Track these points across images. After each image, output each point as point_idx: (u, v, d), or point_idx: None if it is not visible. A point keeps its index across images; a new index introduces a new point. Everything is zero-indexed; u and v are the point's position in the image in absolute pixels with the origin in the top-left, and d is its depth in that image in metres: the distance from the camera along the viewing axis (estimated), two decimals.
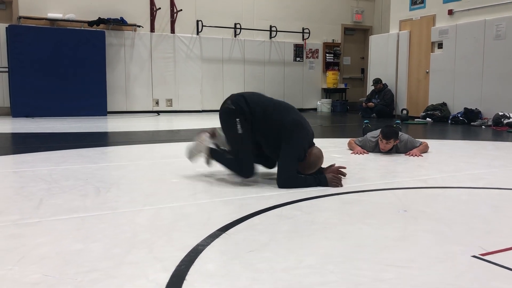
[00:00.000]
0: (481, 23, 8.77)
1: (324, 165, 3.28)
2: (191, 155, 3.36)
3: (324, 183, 2.98)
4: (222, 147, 3.34)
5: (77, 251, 1.79)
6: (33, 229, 2.08)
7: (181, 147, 5.13)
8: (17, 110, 9.22)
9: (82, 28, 9.94)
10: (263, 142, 3.13)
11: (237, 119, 3.02)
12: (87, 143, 5.33)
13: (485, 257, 1.76)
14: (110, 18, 10.22)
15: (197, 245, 1.87)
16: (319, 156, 3.11)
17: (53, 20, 9.79)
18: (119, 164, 3.97)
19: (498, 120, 7.89)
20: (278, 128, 3.00)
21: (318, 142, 5.59)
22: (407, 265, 1.68)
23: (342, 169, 3.21)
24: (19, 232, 2.03)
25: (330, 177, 3.01)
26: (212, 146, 3.27)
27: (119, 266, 1.65)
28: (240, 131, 3.02)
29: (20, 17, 9.54)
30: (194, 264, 1.68)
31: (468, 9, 9.18)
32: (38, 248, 1.82)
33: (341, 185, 3.00)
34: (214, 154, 3.24)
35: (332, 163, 3.30)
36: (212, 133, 3.36)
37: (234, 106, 3.06)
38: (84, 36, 9.76)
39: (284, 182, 2.95)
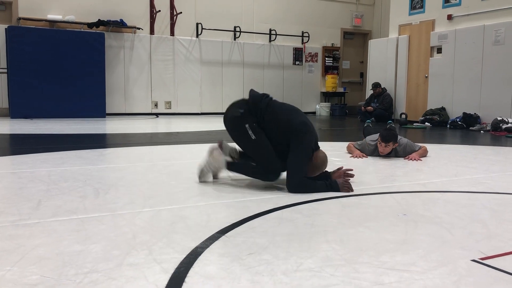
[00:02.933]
0: (480, 28, 8.80)
1: (329, 168, 3.27)
2: (202, 174, 3.22)
3: (336, 189, 2.95)
4: (235, 157, 3.26)
5: (76, 252, 1.79)
6: (32, 230, 2.08)
7: (180, 149, 5.14)
8: (15, 111, 9.20)
9: (82, 30, 9.93)
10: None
11: (247, 125, 2.96)
12: (86, 145, 5.32)
13: (485, 261, 1.76)
14: (110, 20, 10.22)
15: (196, 247, 1.87)
16: (324, 160, 3.09)
17: (52, 22, 9.78)
18: (118, 165, 3.96)
19: (496, 125, 7.90)
20: (286, 128, 2.95)
21: None
22: (408, 269, 1.68)
23: (349, 171, 3.19)
24: (17, 233, 2.02)
25: (341, 182, 2.99)
26: (228, 159, 3.17)
27: (118, 267, 1.65)
28: (253, 137, 2.95)
29: (19, 18, 9.54)
30: (193, 266, 1.67)
31: (468, 14, 9.21)
32: (37, 249, 1.81)
33: (352, 190, 2.98)
34: (232, 167, 3.15)
35: (340, 166, 3.27)
36: (220, 145, 3.25)
37: (240, 112, 2.99)
38: (84, 38, 9.75)
39: (295, 186, 2.92)
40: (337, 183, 2.98)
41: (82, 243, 1.90)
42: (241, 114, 2.99)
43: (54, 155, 4.37)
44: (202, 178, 3.23)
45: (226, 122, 3.14)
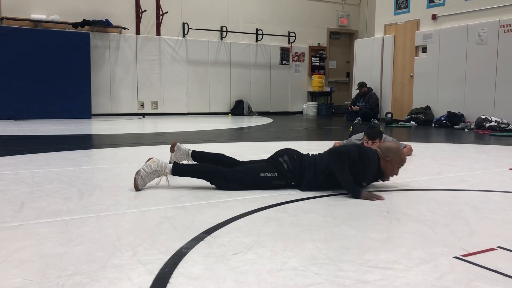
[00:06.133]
0: (463, 28, 8.91)
1: None
2: (143, 181, 2.97)
3: (357, 195, 2.79)
4: (183, 161, 3.46)
5: (59, 255, 1.77)
6: (14, 232, 2.05)
7: (166, 150, 5.10)
8: None
9: (67, 30, 9.83)
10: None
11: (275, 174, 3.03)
12: (71, 146, 5.27)
13: (467, 258, 1.79)
14: (95, 20, 10.13)
15: (181, 248, 1.87)
16: (392, 143, 3.22)
17: (36, 22, 9.67)
18: (103, 167, 3.93)
19: (480, 124, 8.01)
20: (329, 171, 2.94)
21: (303, 145, 5.61)
22: (391, 267, 1.70)
23: None
24: None
25: (366, 195, 2.79)
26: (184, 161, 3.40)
27: (102, 269, 1.64)
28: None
29: (2, 18, 9.40)
30: (178, 267, 1.67)
31: (451, 14, 9.32)
32: (19, 252, 1.79)
33: (381, 199, 2.79)
34: (178, 170, 3.05)
35: None
36: (172, 147, 3.52)
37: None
38: (69, 38, 9.66)
39: (334, 159, 2.86)
40: (360, 192, 2.81)
41: (66, 245, 1.89)
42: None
43: (38, 157, 4.32)
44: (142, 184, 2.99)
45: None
